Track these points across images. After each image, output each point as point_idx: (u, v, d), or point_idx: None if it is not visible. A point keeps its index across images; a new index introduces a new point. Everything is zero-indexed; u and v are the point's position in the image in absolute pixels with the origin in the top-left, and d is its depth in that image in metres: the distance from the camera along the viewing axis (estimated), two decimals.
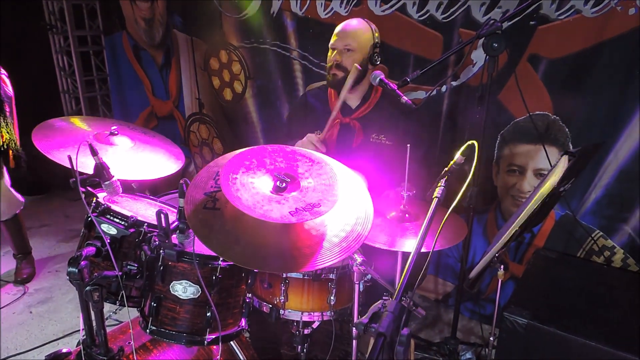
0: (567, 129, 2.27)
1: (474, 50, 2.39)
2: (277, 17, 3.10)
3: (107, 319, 2.46)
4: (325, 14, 2.87)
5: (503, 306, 1.76)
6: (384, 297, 1.05)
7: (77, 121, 2.11)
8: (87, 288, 1.30)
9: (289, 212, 1.10)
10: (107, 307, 2.49)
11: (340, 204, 1.18)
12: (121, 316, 2.57)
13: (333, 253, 1.11)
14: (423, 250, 1.47)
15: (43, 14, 4.33)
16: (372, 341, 0.95)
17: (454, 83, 2.56)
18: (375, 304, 0.97)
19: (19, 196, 3.07)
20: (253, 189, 1.16)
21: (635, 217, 2.20)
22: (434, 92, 2.61)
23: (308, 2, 2.93)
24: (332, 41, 2.10)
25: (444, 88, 2.60)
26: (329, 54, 2.12)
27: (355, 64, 1.99)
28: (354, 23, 2.09)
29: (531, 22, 2.22)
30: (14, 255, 3.16)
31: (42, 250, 3.53)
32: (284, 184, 1.19)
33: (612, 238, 2.29)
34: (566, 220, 2.39)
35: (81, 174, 1.58)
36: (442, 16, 2.47)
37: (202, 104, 3.87)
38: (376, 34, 2.09)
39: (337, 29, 2.11)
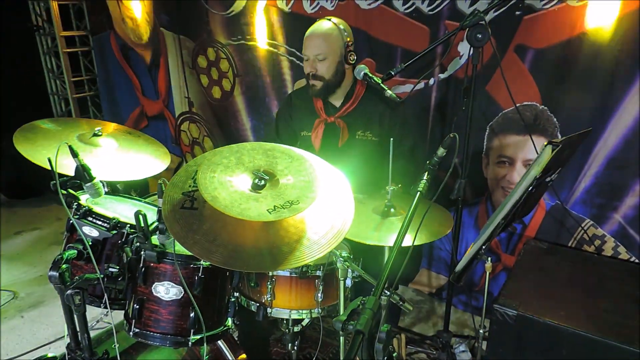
0: (555, 119, 2.26)
1: (460, 41, 2.38)
2: (264, 14, 3.08)
3: (97, 322, 2.45)
4: (312, 9, 2.85)
5: (493, 298, 1.75)
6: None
7: (60, 123, 2.09)
8: (68, 292, 1.28)
9: (267, 210, 1.09)
10: (99, 310, 2.49)
11: (319, 200, 1.16)
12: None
13: (313, 250, 1.10)
14: (407, 244, 1.47)
15: (29, 15, 4.29)
16: None
17: (441, 76, 2.55)
18: (354, 300, 0.96)
19: None
20: (231, 187, 1.15)
21: (625, 205, 2.20)
22: (422, 85, 2.60)
23: None
24: (303, 50, 2.05)
25: (431, 81, 2.59)
26: (304, 62, 2.08)
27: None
28: (321, 29, 2.02)
29: (517, 12, 2.21)
30: None
31: (33, 253, 3.51)
32: (262, 182, 1.17)
33: (602, 227, 2.28)
34: (557, 210, 2.39)
35: (63, 176, 1.56)
36: (428, 8, 2.45)
37: (191, 103, 3.84)
38: (345, 33, 2.02)
39: (306, 36, 2.05)
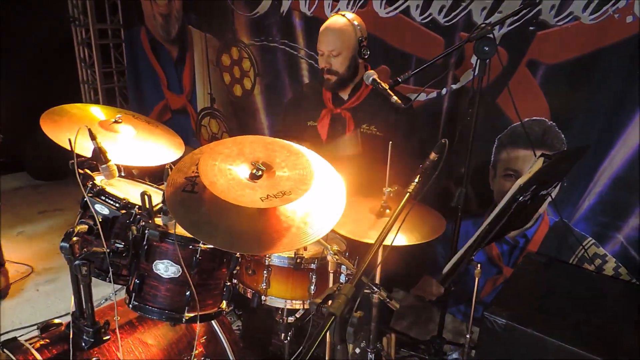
0: (563, 135, 2.28)
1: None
2: (287, 17, 3.18)
3: (105, 300, 2.57)
4: (330, 15, 2.93)
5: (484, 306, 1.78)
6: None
7: (85, 108, 2.21)
8: (76, 262, 1.38)
9: (260, 198, 1.16)
10: (107, 291, 2.60)
11: (312, 193, 1.24)
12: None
13: (300, 239, 1.17)
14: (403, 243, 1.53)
15: (67, 7, 4.51)
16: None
17: (454, 86, 2.59)
18: (331, 286, 1.03)
19: None
20: (230, 175, 1.23)
21: (628, 226, 2.20)
22: (434, 95, 2.65)
23: (316, 2, 2.99)
24: (318, 45, 2.11)
25: (444, 91, 2.63)
26: (319, 57, 2.15)
27: None
28: (335, 25, 2.08)
29: (530, 28, 2.24)
30: None
31: (53, 233, 3.69)
32: (259, 172, 1.25)
33: (604, 246, 2.28)
34: (560, 226, 2.40)
35: (82, 157, 1.67)
36: (444, 20, 2.50)
37: (213, 99, 3.97)
38: (359, 28, 2.07)
39: (321, 31, 2.12)
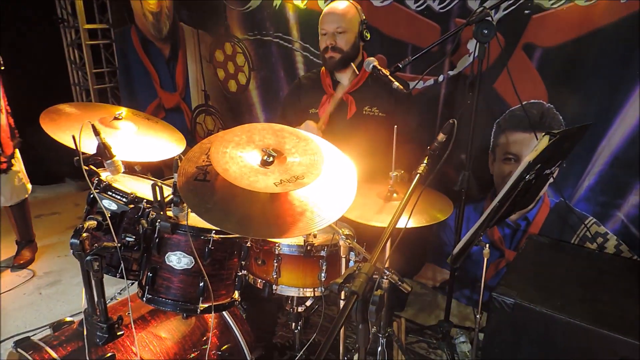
0: (561, 117, 2.31)
1: (469, 39, 2.44)
2: (280, 9, 3.17)
3: (111, 300, 2.55)
4: (326, 5, 2.92)
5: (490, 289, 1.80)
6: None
7: (83, 107, 2.20)
8: (88, 258, 1.37)
9: (274, 183, 1.17)
10: (113, 289, 2.59)
11: (324, 178, 1.24)
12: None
13: (314, 222, 1.17)
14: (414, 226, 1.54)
15: (55, 8, 4.45)
16: None
17: (450, 73, 2.61)
18: (351, 266, 1.03)
19: (27, 184, 3.14)
20: (241, 162, 1.23)
21: (628, 204, 2.23)
22: (432, 82, 2.66)
23: None
24: (321, 25, 2.18)
25: (441, 77, 2.65)
26: (320, 37, 2.20)
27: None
28: (340, 6, 2.17)
29: (525, 11, 2.26)
30: (17, 242, 3.25)
31: (51, 236, 3.65)
32: (271, 158, 1.25)
33: (605, 225, 2.31)
34: (560, 207, 2.43)
35: (84, 153, 1.66)
36: (439, 6, 2.51)
37: (207, 96, 3.95)
38: (361, 12, 2.19)
39: (325, 12, 2.19)
